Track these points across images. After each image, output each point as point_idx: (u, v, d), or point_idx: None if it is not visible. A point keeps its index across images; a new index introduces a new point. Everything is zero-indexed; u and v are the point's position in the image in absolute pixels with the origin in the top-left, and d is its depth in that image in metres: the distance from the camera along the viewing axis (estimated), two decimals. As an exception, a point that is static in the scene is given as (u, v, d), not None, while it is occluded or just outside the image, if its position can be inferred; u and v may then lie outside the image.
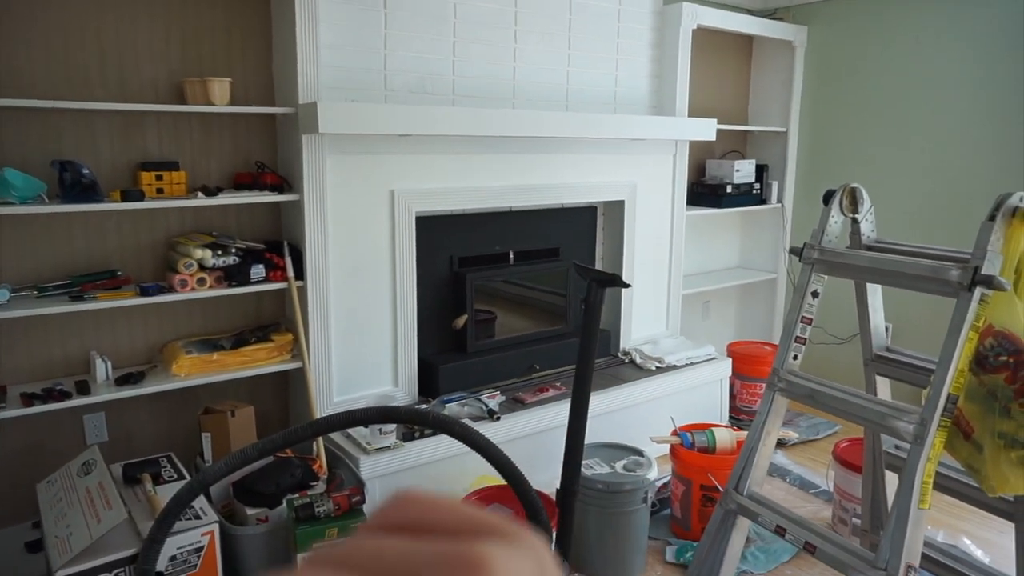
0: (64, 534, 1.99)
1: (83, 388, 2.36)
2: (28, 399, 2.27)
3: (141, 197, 2.37)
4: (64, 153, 2.38)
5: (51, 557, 1.95)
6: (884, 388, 2.20)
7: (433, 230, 3.06)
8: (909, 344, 2.38)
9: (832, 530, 2.69)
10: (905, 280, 1.83)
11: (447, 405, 2.88)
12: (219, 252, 2.53)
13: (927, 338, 3.61)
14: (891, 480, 2.23)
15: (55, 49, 2.34)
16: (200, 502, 2.19)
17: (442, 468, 2.66)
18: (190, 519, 2.10)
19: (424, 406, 2.92)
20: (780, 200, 4.32)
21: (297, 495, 2.35)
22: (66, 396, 2.32)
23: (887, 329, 3.68)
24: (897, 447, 2.19)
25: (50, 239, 2.42)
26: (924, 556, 2.04)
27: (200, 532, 2.09)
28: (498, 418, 2.83)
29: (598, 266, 3.74)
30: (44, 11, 2.31)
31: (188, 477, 2.31)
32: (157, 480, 2.28)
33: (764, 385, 2.07)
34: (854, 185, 2.08)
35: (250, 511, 2.33)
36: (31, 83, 2.31)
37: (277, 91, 2.74)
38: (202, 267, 2.50)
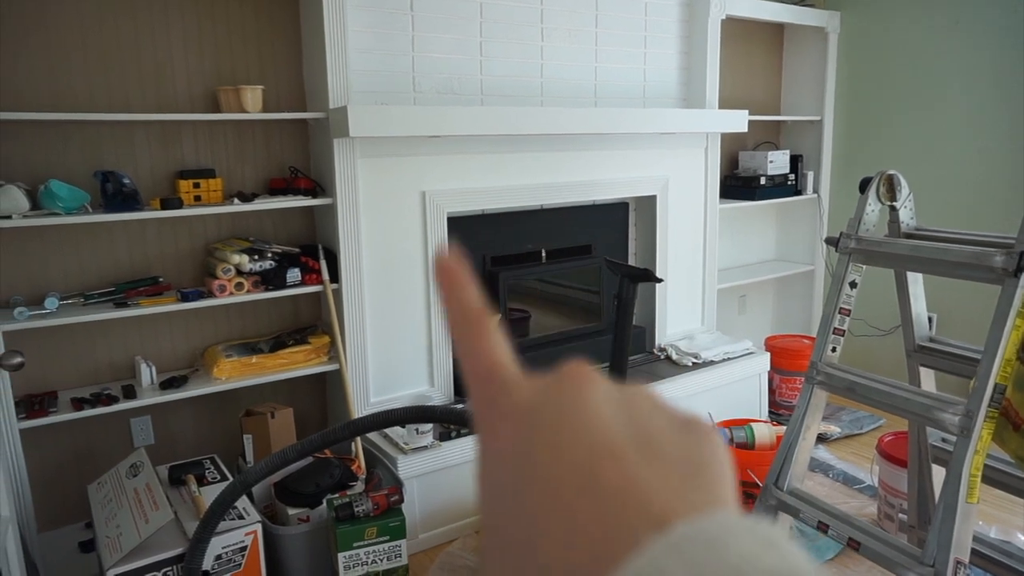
0: (114, 534, 2.05)
1: (129, 392, 2.43)
2: (78, 403, 2.35)
3: (180, 205, 2.43)
4: (106, 164, 2.45)
5: (102, 556, 2.01)
6: (928, 379, 2.14)
7: (465, 230, 3.08)
8: (954, 334, 2.31)
9: (878, 526, 2.63)
10: (947, 268, 1.78)
11: (482, 404, 2.89)
12: (256, 257, 2.58)
13: (972, 327, 3.50)
14: (938, 474, 2.17)
15: (94, 64, 2.41)
16: (243, 503, 2.24)
17: (479, 467, 2.67)
18: (234, 519, 2.14)
19: (460, 405, 2.94)
20: (816, 190, 4.23)
21: (337, 495, 2.38)
22: (113, 400, 2.39)
23: (931, 319, 3.58)
24: (943, 440, 2.13)
25: (94, 248, 2.50)
26: (976, 552, 1.98)
27: (244, 532, 2.13)
28: (533, 416, 2.83)
29: (631, 262, 3.71)
30: (84, 28, 2.38)
31: (231, 478, 2.36)
32: (201, 481, 2.34)
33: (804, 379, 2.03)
34: (891, 172, 2.03)
35: (291, 511, 2.38)
36: (73, 97, 2.39)
37: (308, 97, 2.78)
38: (240, 272, 2.55)
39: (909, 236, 2.03)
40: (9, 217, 2.16)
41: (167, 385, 2.49)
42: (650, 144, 3.47)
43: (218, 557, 2.09)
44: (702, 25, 3.54)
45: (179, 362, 2.70)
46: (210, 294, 2.52)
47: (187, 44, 2.56)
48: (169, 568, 2.00)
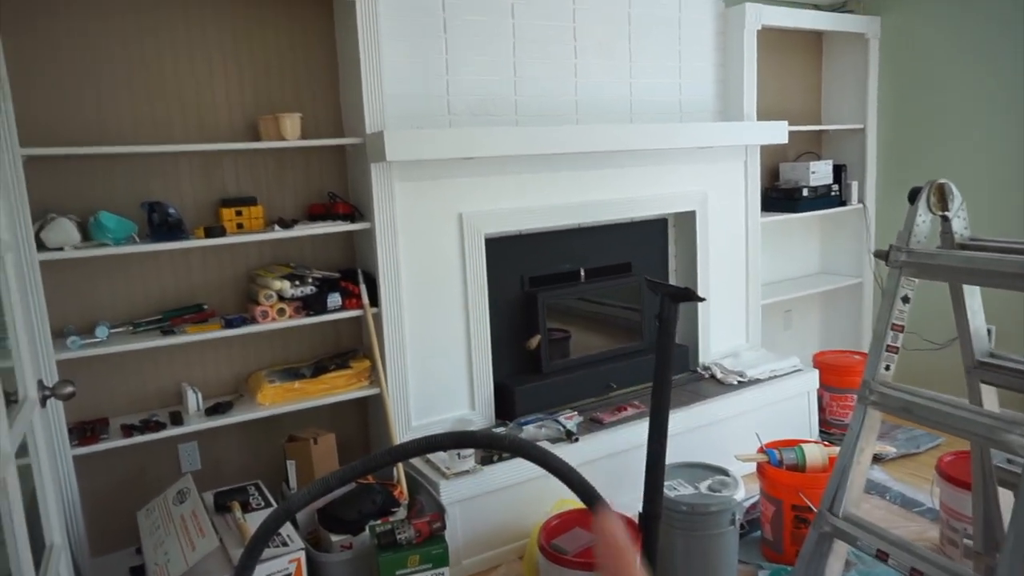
0: (162, 561, 2.08)
1: (176, 419, 2.47)
2: (127, 430, 2.39)
3: (223, 233, 2.47)
4: (151, 194, 2.52)
5: (150, 583, 2.03)
6: (990, 397, 2.04)
7: (503, 251, 3.07)
8: (1016, 348, 2.20)
9: (941, 553, 2.51)
10: (1005, 279, 1.70)
11: (524, 427, 2.86)
12: (297, 282, 2.60)
13: (1036, 340, 3.34)
14: (1005, 496, 2.06)
15: (139, 97, 2.48)
16: (287, 529, 2.24)
17: (521, 492, 2.64)
18: (278, 546, 2.14)
19: (501, 429, 2.91)
20: (861, 200, 4.12)
21: (379, 521, 2.37)
22: (161, 427, 2.42)
23: (989, 332, 3.44)
24: (1009, 460, 2.02)
25: (142, 277, 2.56)
26: (1048, 580, 1.86)
27: (288, 559, 2.13)
28: (576, 439, 2.79)
29: (672, 279, 3.65)
30: (128, 64, 2.45)
31: (275, 504, 2.37)
32: (246, 507, 2.35)
33: (855, 397, 1.96)
34: (942, 181, 1.96)
35: (334, 538, 2.37)
36: (120, 131, 2.46)
37: (345, 123, 2.82)
38: (281, 298, 2.58)
39: (963, 247, 1.95)
40: (61, 249, 2.22)
41: (212, 411, 2.52)
42: (688, 159, 3.43)
43: (263, 584, 2.09)
44: (738, 37, 3.50)
45: (224, 388, 2.74)
46: (253, 320, 2.55)
47: (227, 75, 2.62)
48: (215, 595, 2.01)
